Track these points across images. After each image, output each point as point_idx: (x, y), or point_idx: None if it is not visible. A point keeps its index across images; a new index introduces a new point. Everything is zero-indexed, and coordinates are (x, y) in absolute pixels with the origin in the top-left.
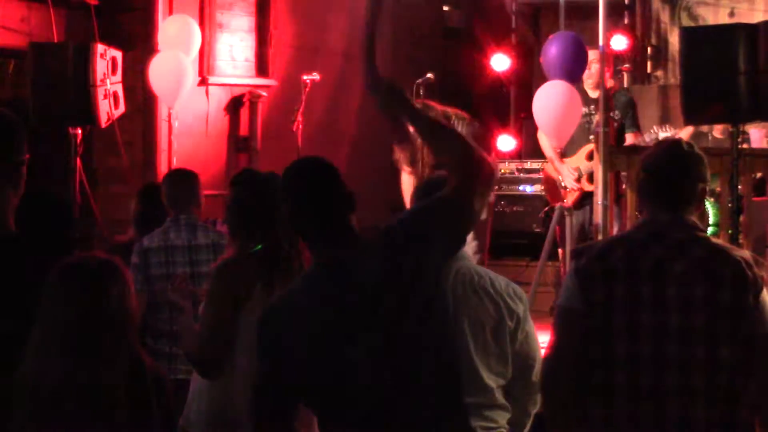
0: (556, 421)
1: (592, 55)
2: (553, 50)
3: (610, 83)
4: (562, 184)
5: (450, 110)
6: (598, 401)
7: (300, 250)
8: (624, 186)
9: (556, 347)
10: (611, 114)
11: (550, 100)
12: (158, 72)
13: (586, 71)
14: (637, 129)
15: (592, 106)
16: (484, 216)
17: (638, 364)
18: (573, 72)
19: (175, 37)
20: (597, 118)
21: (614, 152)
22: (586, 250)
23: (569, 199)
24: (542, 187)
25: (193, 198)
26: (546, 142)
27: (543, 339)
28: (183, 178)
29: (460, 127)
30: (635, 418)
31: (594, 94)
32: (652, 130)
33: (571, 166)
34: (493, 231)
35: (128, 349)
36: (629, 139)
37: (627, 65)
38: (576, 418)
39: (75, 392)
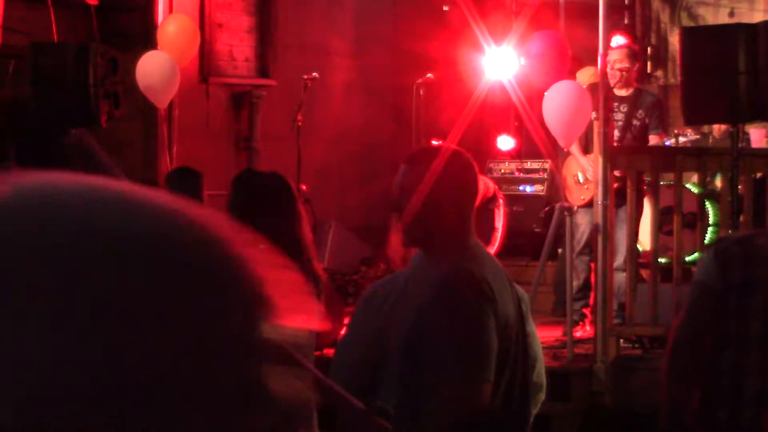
0: (674, 389)
1: (616, 54)
2: (534, 50)
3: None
4: (580, 180)
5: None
6: (727, 376)
7: (301, 250)
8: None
9: (687, 321)
10: (636, 113)
11: (558, 100)
12: (145, 73)
13: (609, 71)
14: (662, 130)
15: (616, 104)
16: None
17: None
18: (554, 72)
19: (174, 37)
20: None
21: (615, 152)
22: (727, 237)
23: (586, 196)
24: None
25: (196, 196)
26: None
27: (543, 339)
28: (185, 176)
29: None
30: (764, 396)
31: (621, 92)
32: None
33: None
34: None
35: None
36: (652, 140)
37: (626, 65)
38: (698, 391)
39: None
